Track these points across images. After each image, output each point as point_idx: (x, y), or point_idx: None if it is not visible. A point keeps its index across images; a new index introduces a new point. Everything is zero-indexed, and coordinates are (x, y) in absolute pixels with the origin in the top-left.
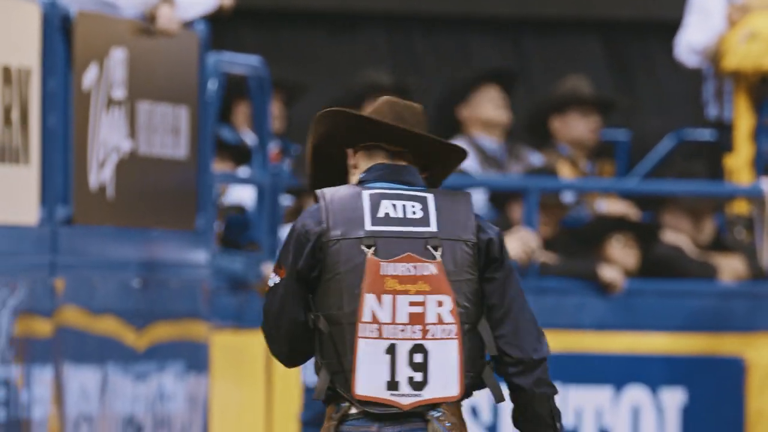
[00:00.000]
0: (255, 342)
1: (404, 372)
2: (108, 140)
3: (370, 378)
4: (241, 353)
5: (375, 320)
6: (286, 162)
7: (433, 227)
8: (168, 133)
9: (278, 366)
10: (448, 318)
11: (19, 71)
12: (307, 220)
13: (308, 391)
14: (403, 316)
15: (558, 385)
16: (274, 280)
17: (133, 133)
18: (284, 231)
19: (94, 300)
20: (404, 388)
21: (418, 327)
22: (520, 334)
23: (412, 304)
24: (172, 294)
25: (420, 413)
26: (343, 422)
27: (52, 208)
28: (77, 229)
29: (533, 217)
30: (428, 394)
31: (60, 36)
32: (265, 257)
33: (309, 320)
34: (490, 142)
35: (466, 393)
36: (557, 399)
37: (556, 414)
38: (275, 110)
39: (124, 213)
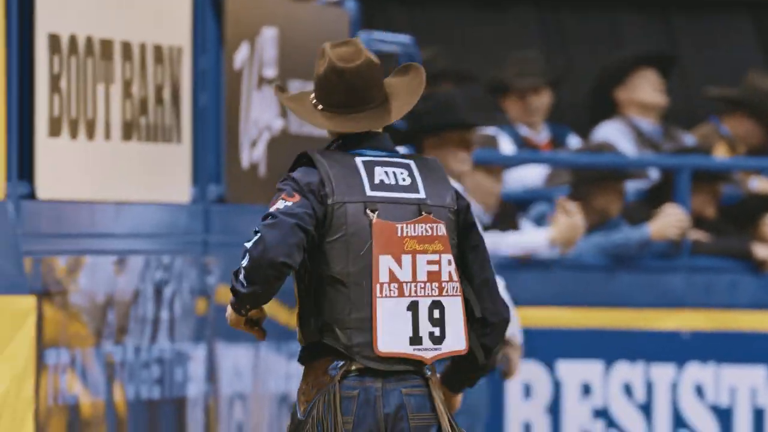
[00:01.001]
0: None
1: (426, 327)
2: (259, 119)
3: (393, 335)
4: None
5: (394, 279)
6: None
7: (421, 194)
8: None
9: None
10: (455, 276)
11: (170, 50)
12: (310, 179)
13: None
14: (422, 275)
15: (712, 364)
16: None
17: (284, 111)
18: None
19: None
20: (426, 342)
21: (436, 284)
22: (497, 301)
23: (429, 262)
24: None
25: (417, 371)
26: (345, 378)
27: (205, 187)
28: (229, 208)
29: (686, 195)
30: (445, 348)
31: (211, 14)
32: None
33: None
34: (647, 123)
35: None
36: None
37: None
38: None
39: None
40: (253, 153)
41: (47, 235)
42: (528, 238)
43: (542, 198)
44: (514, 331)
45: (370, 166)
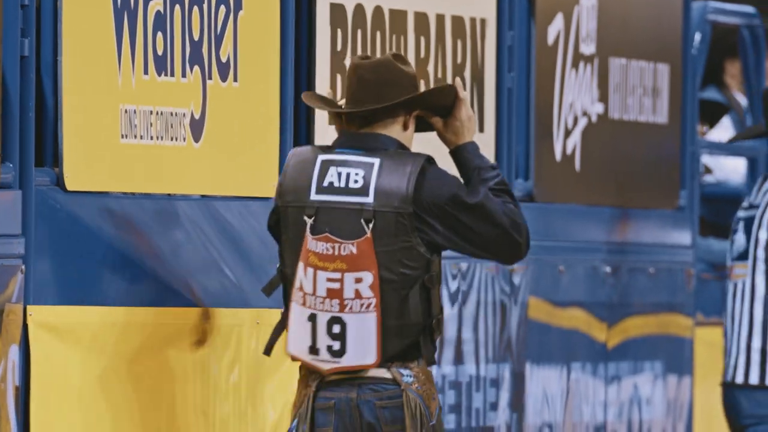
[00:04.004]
0: None
1: (324, 340)
2: (575, 102)
3: (297, 340)
4: None
5: (301, 288)
6: None
7: (369, 198)
8: (646, 94)
9: None
10: (367, 293)
11: (472, 22)
12: (280, 179)
13: None
14: (322, 290)
15: None
16: None
17: (604, 94)
18: None
19: (559, 290)
20: (324, 354)
21: (336, 301)
22: (499, 251)
23: (329, 280)
24: (650, 283)
25: (393, 378)
26: (322, 389)
27: (510, 182)
28: (539, 207)
29: None
30: (346, 361)
31: None
32: None
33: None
34: None
35: (411, 354)
36: None
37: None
38: None
39: (593, 188)
40: (567, 143)
41: None
42: None
43: None
44: None
45: (325, 167)
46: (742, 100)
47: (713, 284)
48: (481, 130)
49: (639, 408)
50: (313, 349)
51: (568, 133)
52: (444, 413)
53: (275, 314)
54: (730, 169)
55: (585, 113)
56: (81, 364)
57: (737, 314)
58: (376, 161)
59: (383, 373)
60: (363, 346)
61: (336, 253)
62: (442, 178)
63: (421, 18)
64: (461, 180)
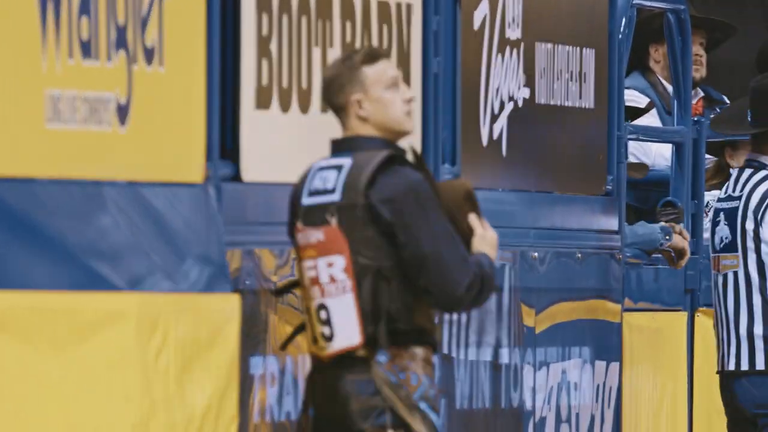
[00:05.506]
0: (676, 324)
1: (318, 328)
2: (502, 87)
3: (306, 335)
4: (658, 337)
5: (299, 285)
6: (709, 114)
7: (336, 196)
8: (572, 79)
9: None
10: (341, 276)
11: (398, 7)
12: None
13: None
14: (306, 281)
15: None
16: None
17: (530, 79)
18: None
19: (525, 278)
20: (321, 342)
21: (317, 288)
22: (437, 280)
23: (308, 268)
24: (577, 268)
25: (365, 359)
26: (314, 371)
27: (438, 167)
28: None
29: None
30: (336, 345)
31: None
32: (685, 225)
33: None
34: None
35: (394, 338)
36: None
37: None
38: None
39: (519, 173)
40: (493, 128)
41: (254, 223)
42: None
43: None
44: None
45: (315, 174)
46: (668, 86)
47: (641, 269)
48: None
49: (567, 393)
50: (314, 339)
51: (494, 118)
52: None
53: (202, 299)
54: (658, 155)
55: (511, 98)
56: (6, 350)
57: (732, 304)
58: (348, 161)
59: (362, 353)
60: (346, 328)
61: (306, 241)
62: (399, 174)
63: (347, 3)
64: (424, 183)
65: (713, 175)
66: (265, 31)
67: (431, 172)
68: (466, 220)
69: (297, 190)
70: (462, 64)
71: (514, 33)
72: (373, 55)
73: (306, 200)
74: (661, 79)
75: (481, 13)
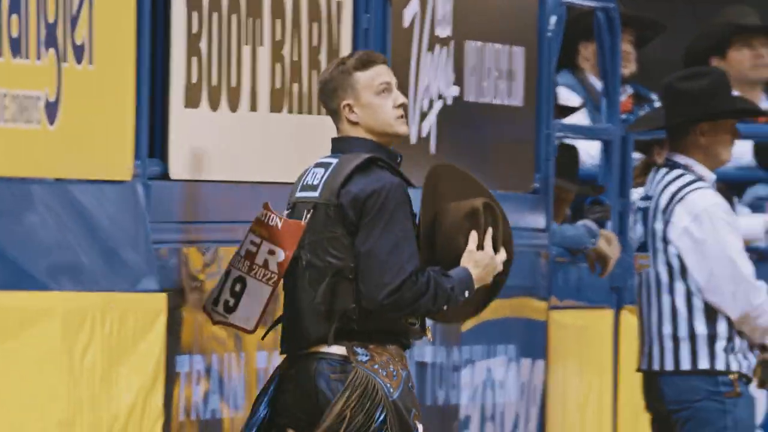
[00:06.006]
0: (601, 322)
1: (225, 294)
2: (431, 85)
3: (209, 294)
4: (584, 335)
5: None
6: (638, 111)
7: (317, 192)
8: (501, 77)
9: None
10: (273, 267)
11: (328, 6)
12: None
13: None
14: (243, 250)
15: None
16: None
17: (460, 77)
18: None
19: None
20: (221, 307)
21: (248, 262)
22: (364, 279)
23: (251, 242)
24: None
25: (346, 357)
26: (287, 362)
27: None
28: None
29: None
30: (232, 319)
31: None
32: (613, 223)
33: None
34: None
35: (366, 337)
36: None
37: None
38: (623, 51)
39: None
40: (422, 126)
41: (181, 221)
42: (742, 225)
43: (759, 179)
44: None
45: (310, 170)
46: (597, 83)
47: (567, 268)
48: None
49: (493, 391)
50: (217, 301)
51: (423, 116)
52: None
53: (129, 297)
54: (584, 153)
55: (440, 96)
56: None
57: (645, 303)
58: (334, 161)
59: (340, 350)
60: (249, 312)
61: (266, 221)
62: (373, 176)
63: (277, 1)
64: (398, 187)
65: (641, 173)
66: (195, 29)
67: (431, 180)
68: (463, 237)
69: (295, 183)
70: (392, 62)
71: (444, 31)
72: (365, 61)
73: (299, 193)
74: (590, 76)
75: (411, 11)
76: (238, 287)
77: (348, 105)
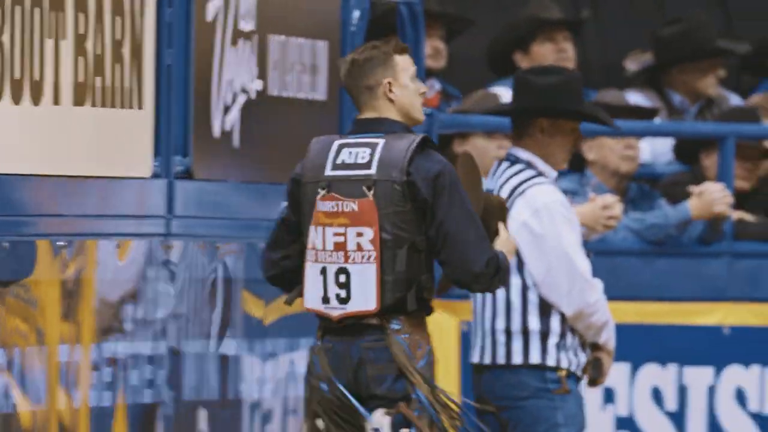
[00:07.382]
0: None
1: (333, 290)
2: (234, 80)
3: (311, 294)
4: None
5: (313, 247)
6: (445, 105)
7: (372, 170)
8: (305, 71)
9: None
10: (368, 246)
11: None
12: (296, 166)
13: None
14: (330, 245)
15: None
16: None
17: (263, 71)
18: None
19: (254, 269)
20: (333, 302)
21: (341, 253)
22: (458, 256)
23: (335, 234)
24: None
25: (380, 326)
26: (323, 338)
27: (169, 159)
28: (198, 185)
29: (729, 168)
30: (351, 307)
31: None
32: None
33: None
34: None
35: (401, 306)
36: None
37: None
38: (433, 46)
39: (251, 165)
40: (225, 120)
41: None
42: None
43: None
44: (610, 335)
45: (340, 149)
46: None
47: None
48: (140, 107)
49: (295, 385)
50: (325, 299)
51: (226, 110)
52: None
53: None
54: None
55: (244, 90)
56: None
57: (480, 298)
58: (381, 141)
59: (375, 321)
60: (364, 294)
61: (339, 209)
62: (433, 157)
63: None
64: (453, 167)
65: None
66: None
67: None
68: (496, 224)
69: (313, 162)
70: (195, 56)
71: (247, 25)
72: (402, 48)
73: (333, 172)
74: None
75: (214, 5)
76: (343, 278)
77: (389, 83)
